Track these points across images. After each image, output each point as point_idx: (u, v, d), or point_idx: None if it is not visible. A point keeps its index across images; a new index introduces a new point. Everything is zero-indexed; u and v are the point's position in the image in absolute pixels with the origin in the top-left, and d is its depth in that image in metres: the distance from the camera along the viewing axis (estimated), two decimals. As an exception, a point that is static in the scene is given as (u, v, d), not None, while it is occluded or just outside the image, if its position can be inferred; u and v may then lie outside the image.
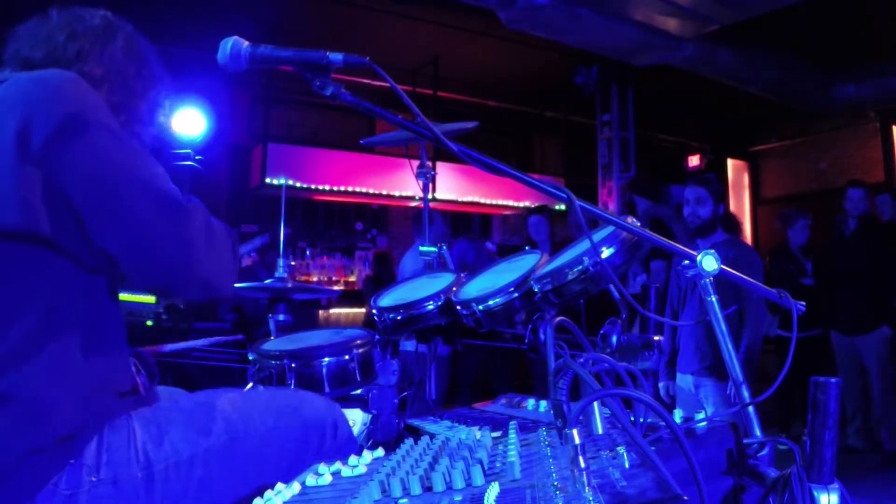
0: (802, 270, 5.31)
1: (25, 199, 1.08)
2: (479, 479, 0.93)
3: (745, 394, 1.19)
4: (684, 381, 3.44)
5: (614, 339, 1.40)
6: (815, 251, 5.46)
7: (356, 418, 1.74)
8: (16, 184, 1.07)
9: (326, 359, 1.71)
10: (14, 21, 1.31)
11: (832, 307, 5.03)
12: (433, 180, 2.86)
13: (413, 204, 8.65)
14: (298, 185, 7.70)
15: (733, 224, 3.64)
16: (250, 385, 1.91)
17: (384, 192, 8.23)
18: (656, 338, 1.42)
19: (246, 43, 1.17)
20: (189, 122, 5.82)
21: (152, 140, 1.42)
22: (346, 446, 1.34)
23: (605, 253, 1.34)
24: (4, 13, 1.33)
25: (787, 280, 5.03)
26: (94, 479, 1.10)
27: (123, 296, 3.47)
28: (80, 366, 1.13)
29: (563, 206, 7.24)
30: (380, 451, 1.17)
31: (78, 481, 1.09)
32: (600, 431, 1.15)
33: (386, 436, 1.78)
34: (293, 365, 1.70)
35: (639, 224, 1.32)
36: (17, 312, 1.08)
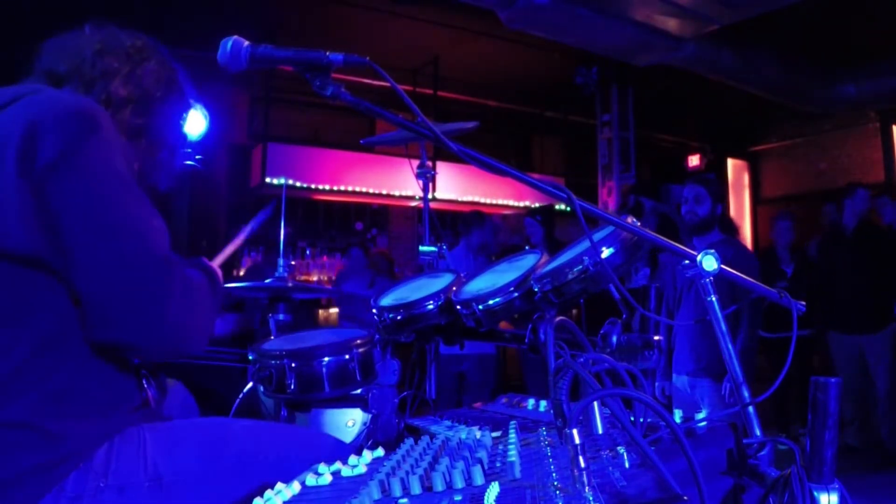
0: (780, 273, 5.30)
1: (24, 219, 1.06)
2: (479, 479, 0.93)
3: (745, 393, 1.18)
4: (679, 381, 3.44)
5: (614, 339, 1.40)
6: (803, 251, 5.46)
7: (356, 418, 1.74)
8: (16, 202, 1.05)
9: (326, 359, 1.71)
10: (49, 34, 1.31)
11: (832, 307, 5.01)
12: (433, 180, 2.86)
13: (413, 204, 8.65)
14: (298, 184, 7.70)
15: (730, 225, 3.65)
16: (250, 385, 1.90)
17: (384, 192, 8.23)
18: (656, 338, 1.42)
19: (246, 43, 1.17)
20: (189, 122, 5.82)
21: (173, 161, 1.42)
22: None
23: (605, 253, 1.34)
24: (42, 27, 1.33)
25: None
26: (101, 484, 1.10)
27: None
28: (84, 387, 1.13)
29: (562, 206, 7.25)
30: (380, 451, 1.16)
31: (84, 485, 1.09)
32: (600, 431, 1.15)
33: (386, 436, 1.78)
34: (293, 365, 1.70)
35: (639, 223, 1.32)
36: (16, 336, 1.07)
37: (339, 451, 1.37)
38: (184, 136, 1.42)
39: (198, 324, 1.20)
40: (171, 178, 1.44)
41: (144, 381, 1.28)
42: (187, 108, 1.42)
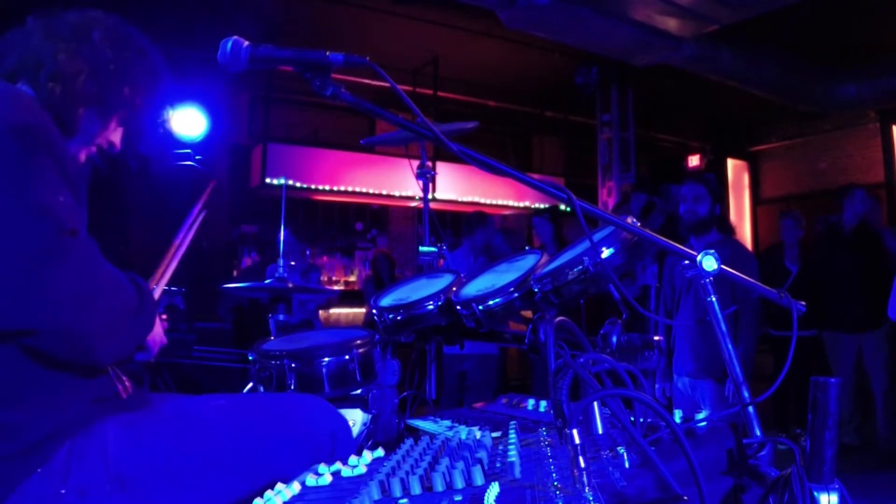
0: (785, 272, 5.29)
1: None
2: (479, 479, 0.93)
3: (745, 394, 1.18)
4: (680, 382, 3.44)
5: (614, 339, 1.40)
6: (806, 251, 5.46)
7: (356, 418, 1.74)
8: None
9: (326, 359, 1.71)
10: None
11: (829, 306, 5.00)
12: (433, 180, 2.86)
13: (413, 204, 8.66)
14: (298, 185, 7.70)
15: (727, 225, 3.64)
16: (250, 385, 1.90)
17: (384, 192, 8.24)
18: (656, 338, 1.42)
19: (246, 43, 1.17)
20: (189, 122, 5.83)
21: (148, 123, 1.39)
22: (345, 455, 1.27)
23: (605, 253, 1.34)
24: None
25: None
26: (62, 490, 1.06)
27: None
28: (30, 377, 1.09)
29: (564, 207, 7.26)
30: (380, 451, 1.16)
31: (45, 490, 1.05)
32: (600, 431, 1.15)
33: (386, 436, 1.78)
34: (293, 365, 1.70)
35: (639, 224, 1.32)
36: None
37: (327, 422, 1.31)
38: (145, 92, 1.37)
39: (104, 315, 1.10)
40: (157, 145, 1.41)
41: (114, 374, 1.23)
42: (154, 69, 1.38)
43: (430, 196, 2.81)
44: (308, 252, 5.90)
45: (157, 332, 1.35)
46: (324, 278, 8.55)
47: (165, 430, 1.18)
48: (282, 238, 2.90)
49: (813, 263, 5.27)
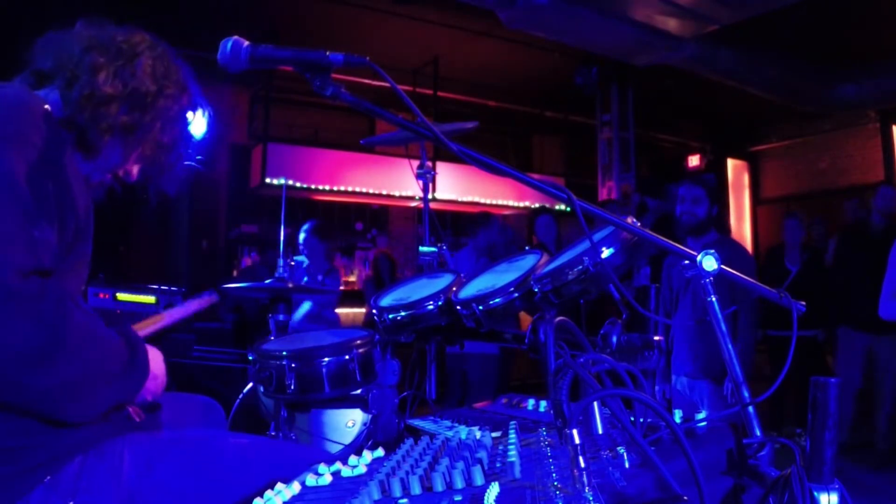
0: (785, 272, 5.28)
1: None
2: (479, 479, 0.93)
3: (745, 394, 1.18)
4: (679, 382, 3.43)
5: (614, 339, 1.40)
6: (814, 250, 5.43)
7: (356, 419, 1.74)
8: None
9: (326, 359, 1.71)
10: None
11: (846, 302, 4.97)
12: (433, 180, 2.86)
13: (413, 204, 8.66)
14: (298, 185, 7.71)
15: (725, 224, 3.63)
16: (250, 385, 1.91)
17: (384, 192, 8.24)
18: (656, 338, 1.42)
19: (246, 43, 1.17)
20: (192, 123, 5.82)
21: (172, 160, 1.36)
22: None
23: (605, 253, 1.34)
24: (41, 26, 1.30)
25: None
26: (70, 502, 1.05)
27: (122, 296, 3.47)
28: None
29: (563, 206, 7.26)
30: (380, 451, 1.16)
31: (49, 503, 1.04)
32: (600, 431, 1.15)
33: (386, 436, 1.78)
34: (293, 365, 1.70)
35: (639, 223, 1.32)
36: None
37: None
38: (188, 137, 1.35)
39: (71, 373, 1.02)
40: (177, 181, 1.38)
41: None
42: (191, 107, 1.35)
43: (430, 196, 2.81)
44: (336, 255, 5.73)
45: (153, 386, 1.25)
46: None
47: (182, 457, 1.17)
48: (282, 239, 2.90)
49: (833, 259, 5.22)
